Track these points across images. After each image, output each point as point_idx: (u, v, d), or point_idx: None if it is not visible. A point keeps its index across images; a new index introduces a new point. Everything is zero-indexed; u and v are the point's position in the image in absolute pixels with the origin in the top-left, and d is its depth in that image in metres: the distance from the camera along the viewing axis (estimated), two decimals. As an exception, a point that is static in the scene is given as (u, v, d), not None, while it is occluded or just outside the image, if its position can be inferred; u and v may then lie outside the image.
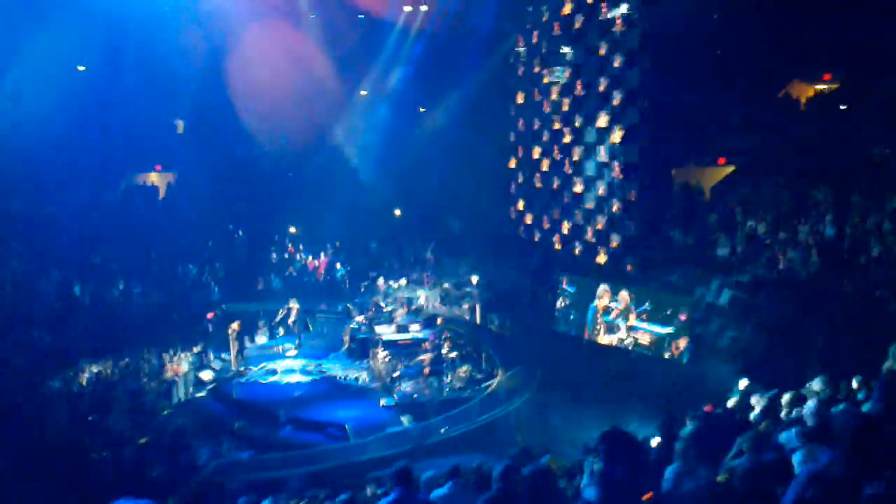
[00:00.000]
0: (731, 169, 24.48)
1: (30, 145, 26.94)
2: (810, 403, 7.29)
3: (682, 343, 19.25)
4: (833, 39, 23.46)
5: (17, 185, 27.33)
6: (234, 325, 21.48)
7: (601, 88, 22.29)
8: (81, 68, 29.52)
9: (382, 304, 23.63)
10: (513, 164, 27.52)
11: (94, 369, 20.61)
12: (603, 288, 21.09)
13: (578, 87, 23.32)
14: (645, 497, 4.21)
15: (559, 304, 22.84)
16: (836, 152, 20.01)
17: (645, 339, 20.24)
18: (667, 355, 19.62)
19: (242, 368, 21.31)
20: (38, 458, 16.33)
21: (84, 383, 19.80)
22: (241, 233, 30.33)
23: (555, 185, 24.74)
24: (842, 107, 22.70)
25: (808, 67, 25.31)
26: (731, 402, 11.26)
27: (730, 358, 17.55)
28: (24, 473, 15.97)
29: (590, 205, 23.05)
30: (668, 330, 19.67)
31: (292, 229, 30.81)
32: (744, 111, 25.44)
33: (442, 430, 17.05)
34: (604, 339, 21.45)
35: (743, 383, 16.53)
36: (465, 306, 26.17)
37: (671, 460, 5.82)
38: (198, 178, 32.83)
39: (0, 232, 25.73)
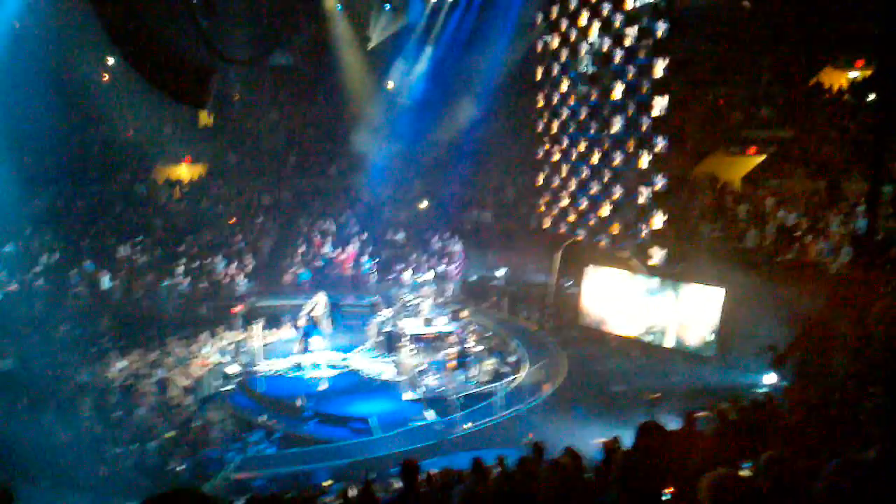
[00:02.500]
0: (761, 159, 24.16)
1: (61, 137, 27.28)
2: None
3: (708, 336, 19.07)
4: (866, 25, 23.12)
5: (49, 177, 27.63)
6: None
7: (629, 78, 22.06)
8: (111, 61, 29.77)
9: (409, 298, 23.57)
10: (540, 155, 27.34)
11: (122, 363, 20.78)
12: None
13: (606, 77, 23.09)
14: None
15: (585, 296, 22.72)
16: (868, 142, 19.63)
17: (670, 332, 20.09)
18: (692, 349, 19.44)
19: (268, 362, 21.35)
20: (64, 452, 16.51)
21: (112, 377, 19.94)
22: (268, 226, 30.39)
23: (582, 177, 24.54)
24: (871, 96, 22.28)
25: (840, 54, 24.94)
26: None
27: (757, 352, 17.31)
28: (51, 466, 16.17)
29: (617, 196, 22.83)
30: (694, 322, 19.49)
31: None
32: (774, 100, 25.13)
33: (465, 425, 16.96)
34: (625, 331, 21.33)
35: (769, 378, 16.40)
36: (492, 299, 26.10)
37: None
38: (228, 170, 33.09)
39: (31, 224, 26.04)
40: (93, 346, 21.82)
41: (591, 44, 23.61)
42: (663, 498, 4.53)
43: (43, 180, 27.61)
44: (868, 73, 23.84)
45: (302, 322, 21.55)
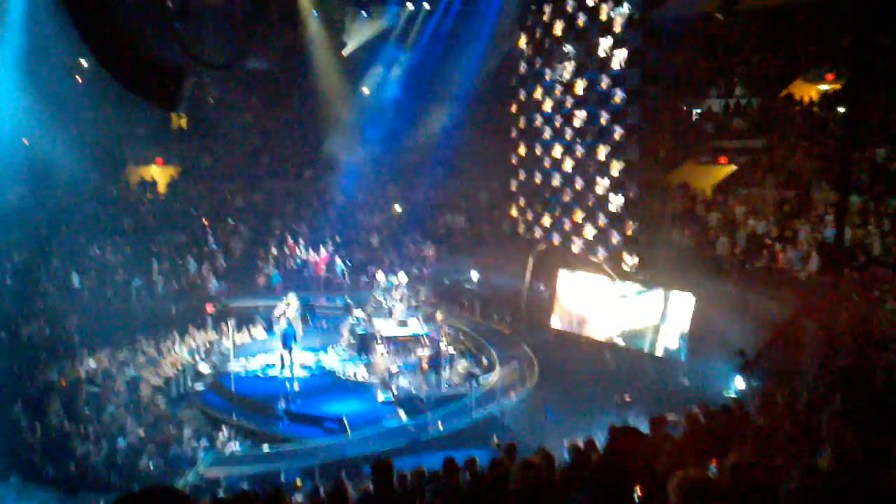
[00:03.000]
0: (732, 168, 24.49)
1: (31, 136, 27.03)
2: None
3: (679, 341, 19.30)
4: (837, 40, 23.53)
5: (19, 176, 27.35)
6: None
7: (603, 87, 22.24)
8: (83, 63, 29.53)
9: (382, 300, 23.62)
10: (514, 161, 27.47)
11: (92, 361, 20.66)
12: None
13: (579, 85, 23.25)
14: None
15: (557, 300, 22.92)
16: (837, 153, 19.98)
17: (642, 336, 20.31)
18: (664, 353, 19.67)
19: (240, 362, 21.32)
20: (33, 450, 16.42)
21: (81, 375, 19.82)
22: (241, 227, 30.31)
23: (555, 183, 24.69)
24: (841, 109, 22.67)
25: (811, 68, 25.32)
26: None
27: (727, 356, 17.57)
28: (20, 465, 16.07)
29: (590, 202, 23.00)
30: (666, 327, 19.72)
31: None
32: (746, 111, 25.48)
33: (438, 425, 17.05)
34: (598, 335, 21.55)
35: (739, 382, 16.64)
36: (465, 303, 26.22)
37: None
38: (201, 172, 32.98)
39: (0, 223, 25.78)
40: (61, 345, 21.68)
41: (565, 52, 23.78)
42: (634, 497, 4.64)
43: (13, 178, 27.34)
44: (838, 86, 24.24)
45: (282, 323, 21.45)
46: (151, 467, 15.36)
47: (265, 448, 16.88)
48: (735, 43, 26.89)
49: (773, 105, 25.03)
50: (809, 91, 25.03)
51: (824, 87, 24.95)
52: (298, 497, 11.99)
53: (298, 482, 13.56)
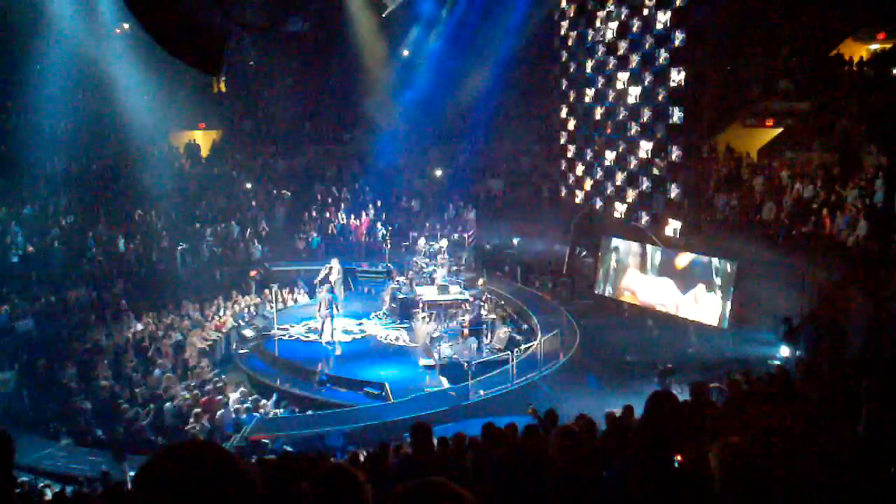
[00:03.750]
0: (778, 131, 23.99)
1: (77, 103, 27.33)
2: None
3: (723, 308, 19.07)
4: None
5: (65, 140, 27.69)
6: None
7: (646, 48, 21.88)
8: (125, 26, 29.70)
9: (423, 265, 23.65)
10: (555, 125, 27.24)
11: (138, 325, 21.01)
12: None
13: (622, 47, 22.92)
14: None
15: (600, 266, 22.78)
16: (886, 115, 19.45)
17: (685, 303, 20.12)
18: (707, 321, 19.46)
19: (283, 326, 21.52)
20: (83, 412, 16.77)
21: (129, 339, 20.17)
22: (285, 192, 30.46)
23: (597, 147, 24.46)
24: (893, 70, 22.04)
25: (861, 26, 24.62)
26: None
27: (772, 324, 17.36)
28: (70, 427, 16.44)
29: (633, 166, 22.75)
30: (709, 293, 19.50)
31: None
32: (793, 72, 24.89)
33: (479, 393, 17.09)
34: (640, 302, 21.40)
35: (784, 350, 16.44)
36: (506, 268, 26.17)
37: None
38: (242, 137, 33.16)
39: (48, 187, 26.19)
40: (109, 309, 22.07)
41: (609, 12, 23.42)
42: (674, 465, 4.60)
43: (59, 143, 27.67)
44: (889, 45, 23.57)
45: (324, 288, 21.52)
46: (198, 429, 15.59)
47: (308, 412, 17.09)
48: (783, 1, 26.21)
49: (822, 65, 24.41)
50: (860, 51, 24.37)
51: (875, 46, 24.27)
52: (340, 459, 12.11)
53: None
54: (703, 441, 5.15)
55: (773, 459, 4.21)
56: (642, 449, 4.55)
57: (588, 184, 24.85)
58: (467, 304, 21.21)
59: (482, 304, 21.04)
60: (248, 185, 30.43)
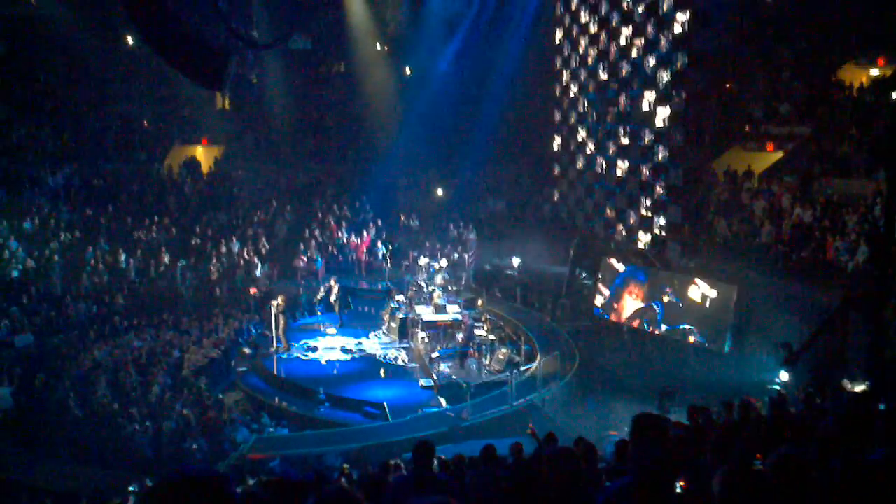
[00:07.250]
0: (779, 155, 24.05)
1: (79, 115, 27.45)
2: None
3: (722, 332, 19.07)
4: (889, 23, 22.92)
5: (66, 155, 27.80)
6: (279, 301, 21.54)
7: (648, 70, 22.01)
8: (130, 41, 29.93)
9: (423, 284, 23.64)
10: (556, 146, 27.34)
11: (138, 342, 20.98)
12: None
13: (624, 68, 23.06)
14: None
15: (598, 288, 22.79)
16: (887, 140, 19.49)
17: (684, 326, 20.11)
18: (706, 344, 19.45)
19: (283, 345, 21.49)
20: (79, 429, 16.71)
21: (127, 355, 20.12)
22: (286, 209, 30.50)
23: (598, 169, 24.54)
24: (894, 95, 22.11)
25: (861, 51, 24.74)
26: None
27: (772, 348, 17.34)
28: (66, 443, 16.37)
29: (633, 188, 22.81)
30: (708, 317, 19.49)
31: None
32: (794, 96, 24.99)
33: (464, 415, 17.02)
34: (639, 324, 21.39)
35: (783, 374, 16.41)
36: (506, 289, 26.13)
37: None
38: (245, 153, 33.25)
39: (48, 201, 26.25)
40: (108, 325, 22.05)
41: (611, 33, 23.57)
42: (676, 490, 4.59)
43: (60, 158, 27.75)
44: (889, 71, 23.67)
45: (324, 307, 21.50)
46: (195, 448, 15.54)
47: (307, 432, 17.03)
48: (784, 25, 26.33)
49: (822, 90, 24.50)
50: (860, 76, 24.47)
51: (875, 71, 24.37)
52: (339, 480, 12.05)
53: (346, 468, 13.65)
54: (705, 467, 5.15)
55: (780, 488, 4.20)
56: (644, 472, 4.55)
57: (589, 205, 24.91)
58: (466, 325, 21.15)
59: (479, 324, 21.00)
60: (249, 202, 30.46)
